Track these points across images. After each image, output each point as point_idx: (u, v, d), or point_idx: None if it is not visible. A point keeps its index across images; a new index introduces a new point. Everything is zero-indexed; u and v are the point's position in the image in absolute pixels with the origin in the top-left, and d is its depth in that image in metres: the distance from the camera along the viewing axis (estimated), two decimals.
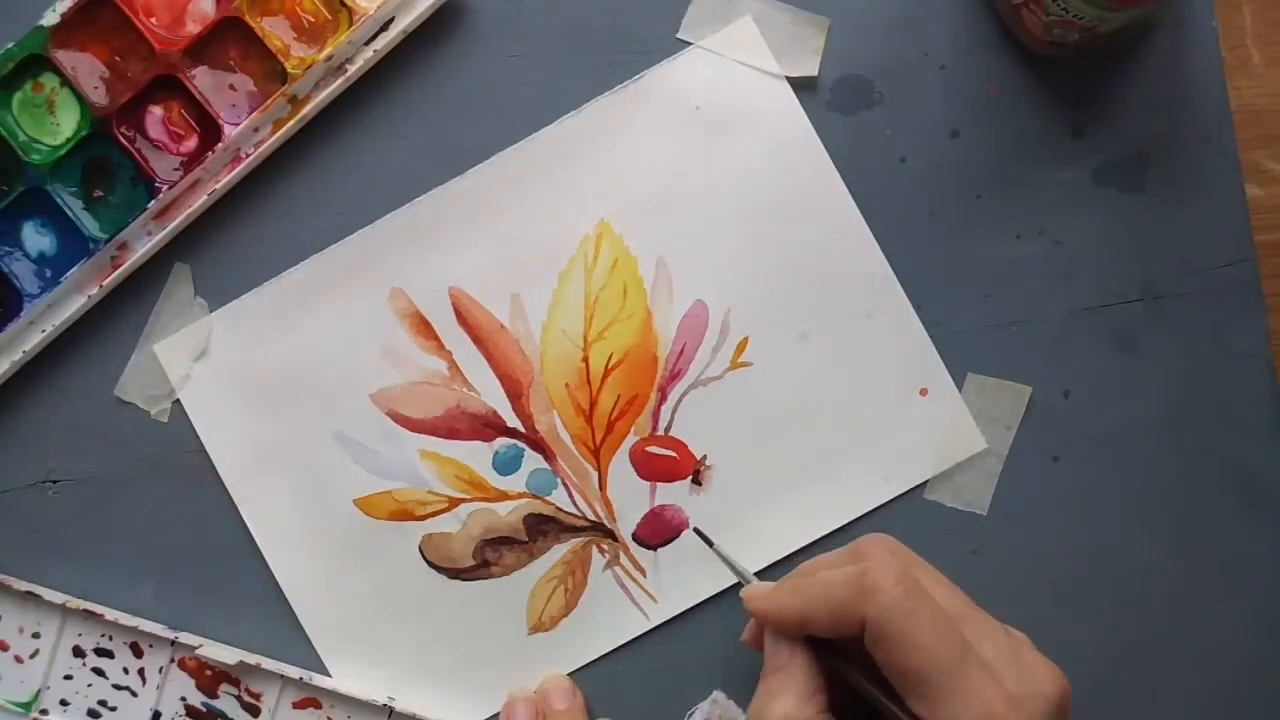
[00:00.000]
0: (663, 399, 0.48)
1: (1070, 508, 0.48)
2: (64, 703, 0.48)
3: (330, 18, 0.47)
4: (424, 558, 0.48)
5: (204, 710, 0.48)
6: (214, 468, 0.48)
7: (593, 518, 0.48)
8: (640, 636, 0.48)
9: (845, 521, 0.47)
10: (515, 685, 0.47)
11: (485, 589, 0.48)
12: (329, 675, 0.48)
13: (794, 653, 0.40)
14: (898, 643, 0.37)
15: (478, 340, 0.48)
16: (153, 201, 0.47)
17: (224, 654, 0.47)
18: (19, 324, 0.47)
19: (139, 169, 0.47)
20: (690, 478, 0.48)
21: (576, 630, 0.48)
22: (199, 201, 0.47)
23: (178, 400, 0.48)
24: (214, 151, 0.47)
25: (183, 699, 0.48)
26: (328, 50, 0.47)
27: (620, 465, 0.48)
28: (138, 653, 0.48)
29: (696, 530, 0.47)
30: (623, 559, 0.48)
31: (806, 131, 0.48)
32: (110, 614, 0.47)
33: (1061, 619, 0.47)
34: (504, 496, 0.48)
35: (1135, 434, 0.48)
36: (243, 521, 0.48)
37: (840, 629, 0.39)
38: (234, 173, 0.47)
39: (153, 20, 0.47)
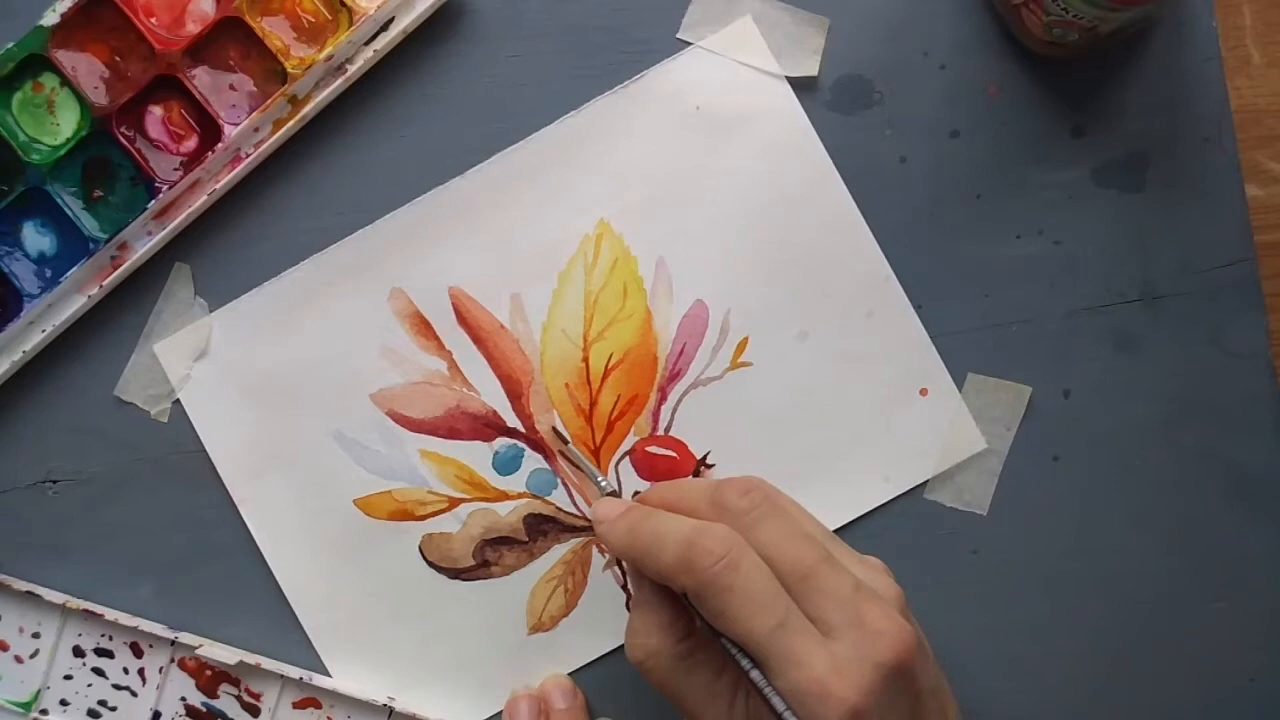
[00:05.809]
0: (663, 399, 0.48)
1: (1070, 508, 0.48)
2: (64, 703, 0.48)
3: (330, 18, 0.47)
4: (424, 558, 0.48)
5: (204, 710, 0.48)
6: (214, 468, 0.48)
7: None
8: None
9: (845, 521, 0.47)
10: (515, 685, 0.47)
11: (485, 589, 0.48)
12: (329, 675, 0.48)
13: (647, 586, 0.41)
14: (713, 614, 0.37)
15: (478, 340, 0.48)
16: (153, 201, 0.47)
17: (224, 654, 0.47)
18: (19, 324, 0.47)
19: (139, 169, 0.47)
20: (690, 478, 0.48)
21: (576, 630, 0.48)
22: (199, 201, 0.47)
23: (178, 400, 0.48)
24: (214, 151, 0.47)
25: (183, 699, 0.48)
26: (328, 50, 0.47)
27: (620, 465, 0.48)
28: (138, 653, 0.48)
29: (554, 429, 0.47)
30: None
31: (806, 131, 0.48)
32: (110, 614, 0.47)
33: (1061, 619, 0.47)
34: (504, 496, 0.48)
35: (1135, 434, 0.48)
36: (243, 521, 0.48)
37: (667, 584, 0.39)
38: (234, 173, 0.47)
39: (153, 20, 0.47)
